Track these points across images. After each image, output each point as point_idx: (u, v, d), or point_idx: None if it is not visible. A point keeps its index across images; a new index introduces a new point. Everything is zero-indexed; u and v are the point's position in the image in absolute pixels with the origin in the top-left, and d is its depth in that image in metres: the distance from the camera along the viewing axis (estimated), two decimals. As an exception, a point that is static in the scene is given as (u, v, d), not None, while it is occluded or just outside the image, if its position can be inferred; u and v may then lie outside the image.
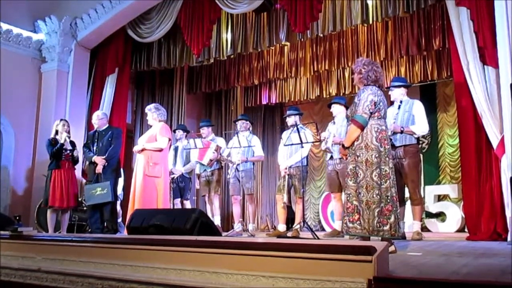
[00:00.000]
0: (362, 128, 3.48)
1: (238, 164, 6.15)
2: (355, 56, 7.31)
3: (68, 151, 5.71)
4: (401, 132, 4.95)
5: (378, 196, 3.35)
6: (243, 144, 6.03)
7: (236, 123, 6.61)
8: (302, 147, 5.52)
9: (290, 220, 6.61)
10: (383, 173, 3.40)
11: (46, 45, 7.39)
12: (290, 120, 5.97)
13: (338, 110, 5.79)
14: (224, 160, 6.45)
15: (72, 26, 7.38)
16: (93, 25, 7.33)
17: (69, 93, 7.34)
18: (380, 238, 3.34)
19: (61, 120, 5.94)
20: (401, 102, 5.17)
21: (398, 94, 5.20)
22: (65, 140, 5.68)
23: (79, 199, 6.05)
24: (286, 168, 5.85)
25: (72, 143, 5.82)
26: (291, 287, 2.15)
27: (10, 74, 6.91)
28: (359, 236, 3.41)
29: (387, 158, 3.45)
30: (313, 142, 5.89)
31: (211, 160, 6.24)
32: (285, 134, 6.09)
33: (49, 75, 7.38)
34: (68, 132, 5.79)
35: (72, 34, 7.41)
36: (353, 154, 3.50)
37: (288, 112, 6.13)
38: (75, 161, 5.85)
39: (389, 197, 3.37)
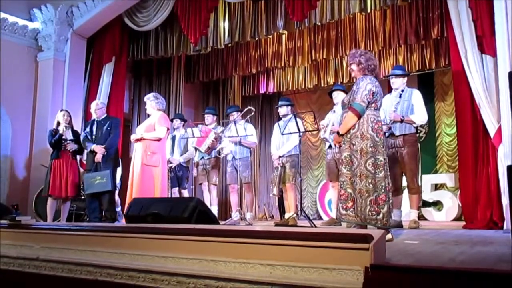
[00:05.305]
0: (359, 116, 3.47)
1: (235, 151, 6.17)
2: (353, 45, 7.27)
3: (68, 141, 5.69)
4: (401, 121, 4.95)
5: (372, 186, 3.35)
6: (240, 133, 6.07)
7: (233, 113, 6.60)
8: (301, 136, 5.53)
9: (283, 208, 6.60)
10: (378, 163, 3.40)
11: (42, 33, 7.34)
12: (282, 111, 6.03)
13: (340, 97, 5.76)
14: (216, 137, 6.37)
15: (68, 15, 7.32)
16: (89, 14, 7.27)
17: (65, 82, 7.29)
18: (374, 226, 3.35)
19: (62, 110, 5.93)
20: (402, 91, 5.16)
21: (400, 83, 5.19)
22: (63, 130, 5.67)
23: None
24: (278, 158, 5.88)
25: (76, 133, 5.79)
26: (288, 275, 2.16)
27: (6, 63, 6.86)
28: (356, 224, 3.43)
29: (382, 149, 3.45)
30: (311, 131, 5.89)
31: (209, 148, 6.23)
32: (281, 124, 6.08)
33: (45, 64, 7.33)
34: (68, 123, 5.77)
35: (68, 22, 7.35)
36: (348, 142, 3.49)
37: (280, 103, 6.18)
38: (77, 150, 5.83)
39: (383, 187, 3.38)
